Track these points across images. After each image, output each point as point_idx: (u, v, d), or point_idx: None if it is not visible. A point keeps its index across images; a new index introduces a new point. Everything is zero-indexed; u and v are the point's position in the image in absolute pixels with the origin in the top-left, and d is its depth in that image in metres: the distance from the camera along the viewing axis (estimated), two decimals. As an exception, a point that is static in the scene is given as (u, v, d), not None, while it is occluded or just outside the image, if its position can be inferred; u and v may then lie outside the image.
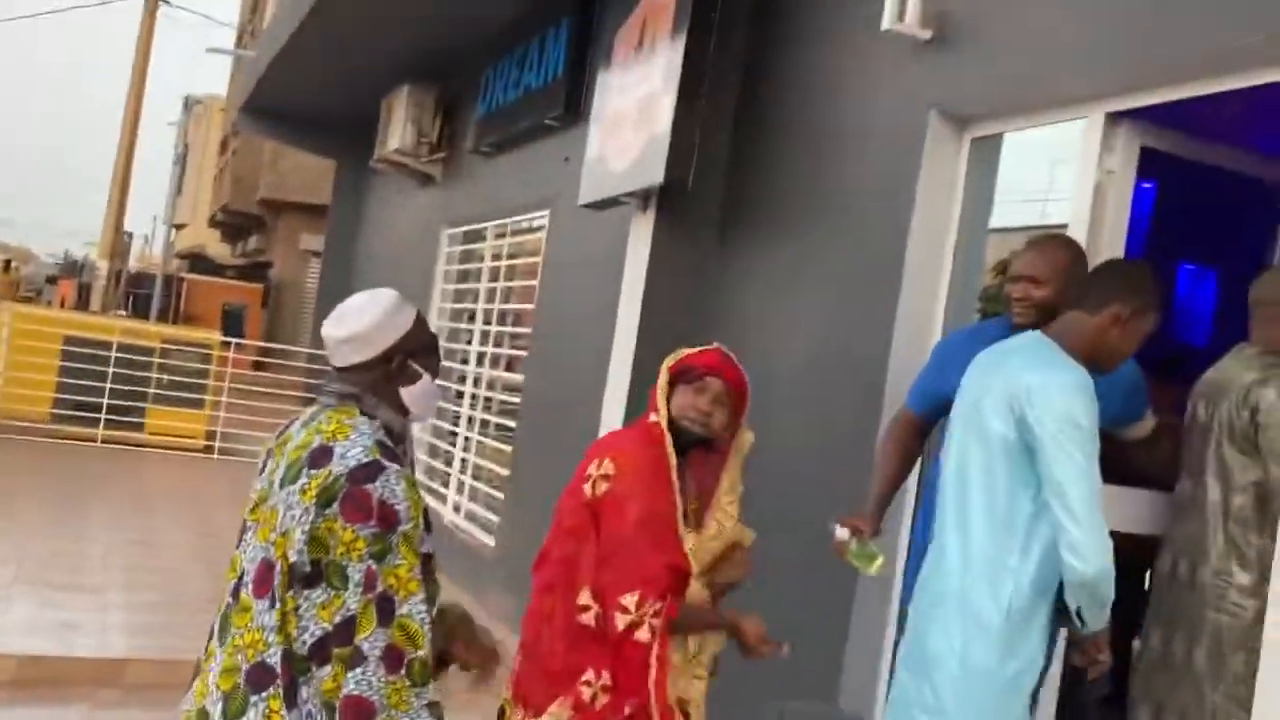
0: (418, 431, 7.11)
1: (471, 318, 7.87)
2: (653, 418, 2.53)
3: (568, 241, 6.09)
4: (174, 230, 31.05)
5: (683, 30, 4.34)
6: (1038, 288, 2.83)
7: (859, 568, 2.79)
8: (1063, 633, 2.57)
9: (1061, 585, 2.37)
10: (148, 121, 21.38)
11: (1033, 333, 2.58)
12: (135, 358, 10.85)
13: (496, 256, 7.65)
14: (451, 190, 8.41)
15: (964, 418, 2.58)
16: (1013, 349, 2.56)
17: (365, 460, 1.86)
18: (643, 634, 2.35)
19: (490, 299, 7.53)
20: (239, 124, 13.00)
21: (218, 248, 35.61)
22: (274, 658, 1.83)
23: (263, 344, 16.32)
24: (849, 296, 3.81)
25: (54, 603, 5.32)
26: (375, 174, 10.06)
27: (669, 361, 2.60)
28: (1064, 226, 3.20)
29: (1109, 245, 3.14)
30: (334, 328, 2.02)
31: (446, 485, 7.64)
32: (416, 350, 2.04)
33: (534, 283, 6.60)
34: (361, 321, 2.00)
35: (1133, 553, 4.07)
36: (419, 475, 2.18)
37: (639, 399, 4.54)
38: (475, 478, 7.17)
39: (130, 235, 30.58)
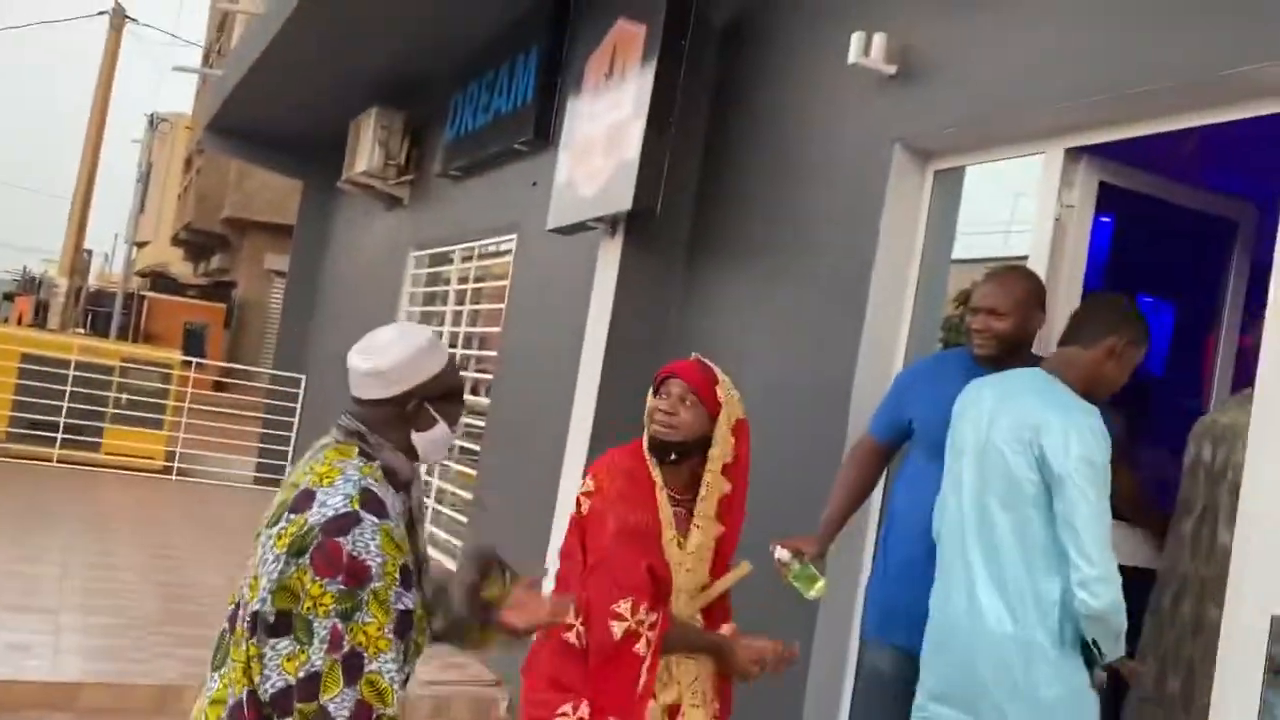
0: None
1: (437, 340, 7.84)
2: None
3: (535, 266, 6.10)
4: (135, 248, 30.70)
5: (653, 58, 4.38)
6: (998, 319, 2.88)
7: (800, 589, 2.78)
8: None
9: None
10: (111, 138, 21.20)
11: (1035, 370, 2.63)
12: (94, 376, 10.70)
13: (463, 280, 7.64)
14: (419, 213, 8.39)
15: (977, 453, 2.59)
16: (1020, 387, 2.59)
17: (343, 511, 1.80)
18: (640, 646, 2.34)
19: (456, 322, 7.52)
20: (204, 142, 12.91)
21: (180, 266, 35.23)
22: (244, 696, 1.81)
23: (225, 364, 16.13)
24: (814, 324, 3.84)
25: (6, 625, 5.21)
26: (342, 195, 10.02)
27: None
28: (1024, 258, 3.26)
29: (1068, 278, 3.20)
30: (359, 359, 1.94)
31: (409, 509, 7.58)
32: (438, 396, 1.96)
33: (501, 306, 6.60)
34: (387, 358, 1.92)
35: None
36: (451, 513, 2.13)
37: (605, 424, 4.55)
38: (439, 501, 7.13)
39: (91, 252, 30.21)
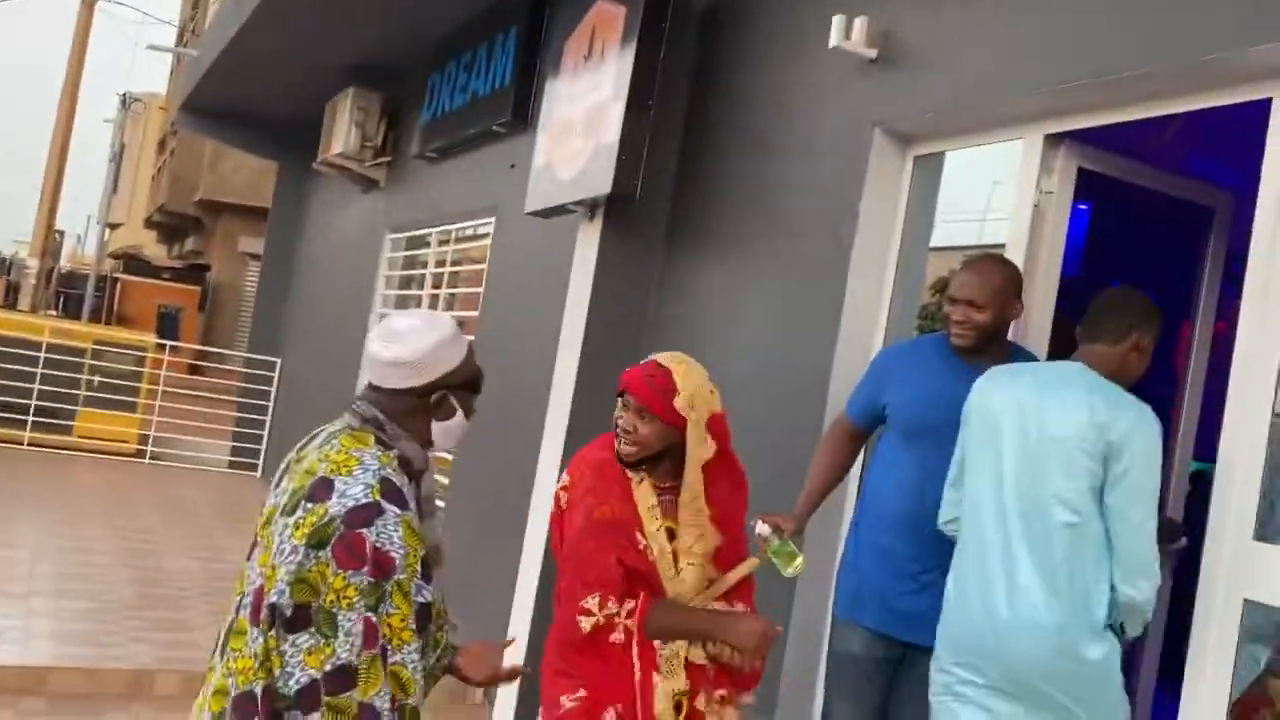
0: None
1: (414, 324, 7.79)
2: None
3: (513, 249, 6.07)
4: (108, 230, 30.36)
5: (632, 40, 4.35)
6: (978, 311, 2.88)
7: (778, 566, 2.79)
8: None
9: None
10: (84, 118, 20.92)
11: (1078, 365, 2.64)
12: (65, 359, 10.58)
13: (440, 263, 7.59)
14: (395, 195, 8.33)
15: (1024, 446, 2.57)
16: (1072, 382, 2.58)
17: (364, 501, 1.76)
18: (617, 636, 2.33)
19: (433, 306, 7.47)
20: (178, 123, 12.76)
21: (154, 248, 34.90)
22: (259, 689, 1.76)
23: (199, 347, 16.01)
24: (793, 309, 3.84)
25: (-25, 610, 5.16)
26: (318, 177, 9.93)
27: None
28: (1001, 246, 3.26)
29: (1046, 264, 3.21)
30: (381, 347, 1.89)
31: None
32: (460, 385, 1.94)
33: (478, 290, 6.56)
34: (413, 348, 1.88)
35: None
36: (439, 503, 2.11)
37: (583, 408, 4.53)
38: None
39: (63, 234, 29.87)
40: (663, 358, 2.50)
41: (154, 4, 28.39)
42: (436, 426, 1.94)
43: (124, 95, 27.55)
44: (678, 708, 2.38)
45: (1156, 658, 3.69)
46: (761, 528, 2.85)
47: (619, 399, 2.47)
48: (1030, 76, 3.05)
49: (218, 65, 9.26)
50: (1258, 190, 2.57)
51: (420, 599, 1.79)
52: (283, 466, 1.96)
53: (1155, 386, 3.99)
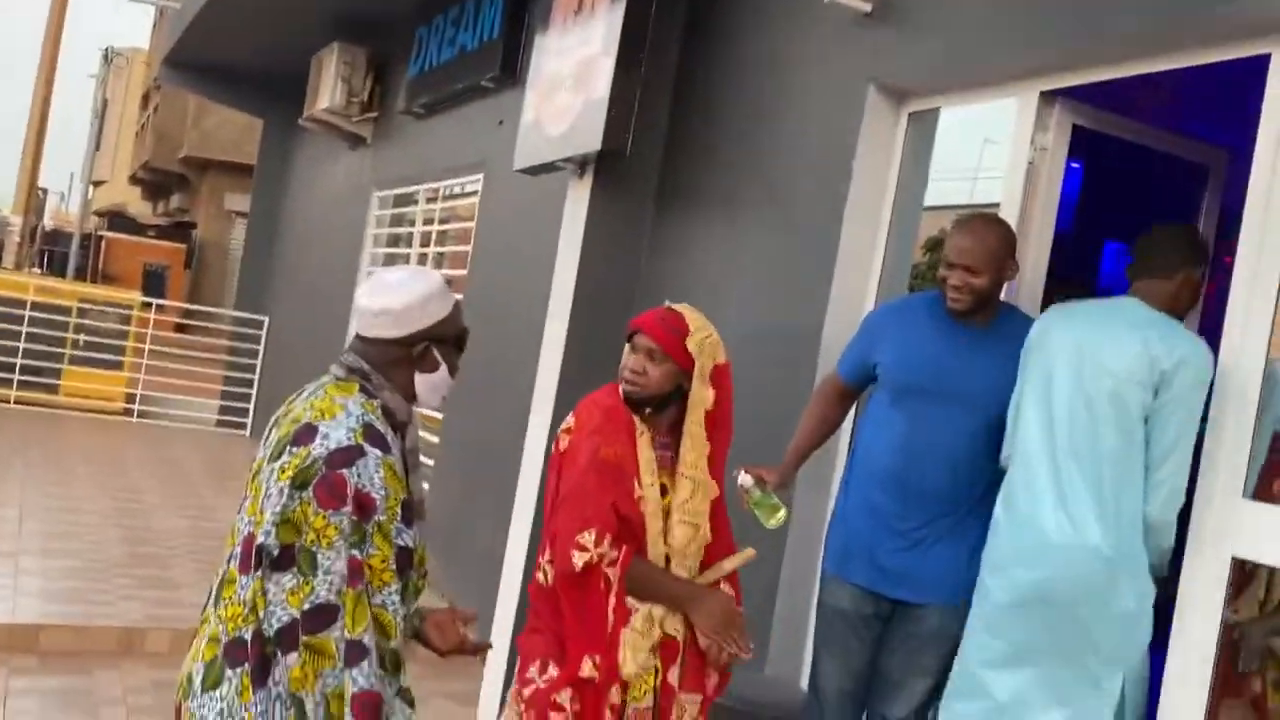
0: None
1: (402, 282, 7.74)
2: None
3: (501, 207, 6.02)
4: (92, 187, 30.06)
5: (623, -6, 4.28)
6: (975, 276, 2.86)
7: (760, 518, 2.79)
8: None
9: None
10: (65, 74, 20.60)
11: (1134, 300, 2.69)
12: (51, 317, 10.51)
13: (428, 221, 7.54)
14: (382, 152, 8.25)
15: (1078, 376, 2.63)
16: (1134, 318, 2.64)
17: (346, 444, 1.79)
18: (603, 584, 2.31)
19: (421, 264, 7.42)
20: (162, 78, 12.58)
21: (138, 206, 34.58)
22: (248, 634, 1.80)
23: (186, 305, 15.90)
24: (785, 267, 3.82)
25: (-37, 568, 5.15)
26: (304, 133, 9.82)
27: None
28: (992, 204, 3.24)
29: (1039, 222, 3.19)
30: (368, 297, 1.93)
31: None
32: (444, 340, 1.97)
33: (467, 248, 6.52)
34: (398, 298, 1.92)
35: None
36: (422, 458, 2.12)
37: (573, 368, 4.52)
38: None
39: (46, 191, 29.57)
40: (676, 305, 2.52)
41: (135, -44, 27.87)
42: (420, 379, 1.97)
43: (106, 50, 27.16)
44: (655, 671, 2.37)
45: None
46: (744, 479, 2.85)
47: (628, 343, 2.47)
48: (1026, 32, 3.01)
49: (201, 18, 9.11)
50: (1253, 148, 2.55)
51: (401, 542, 1.82)
52: (271, 422, 1.99)
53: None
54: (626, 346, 2.48)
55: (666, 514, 2.42)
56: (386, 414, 1.91)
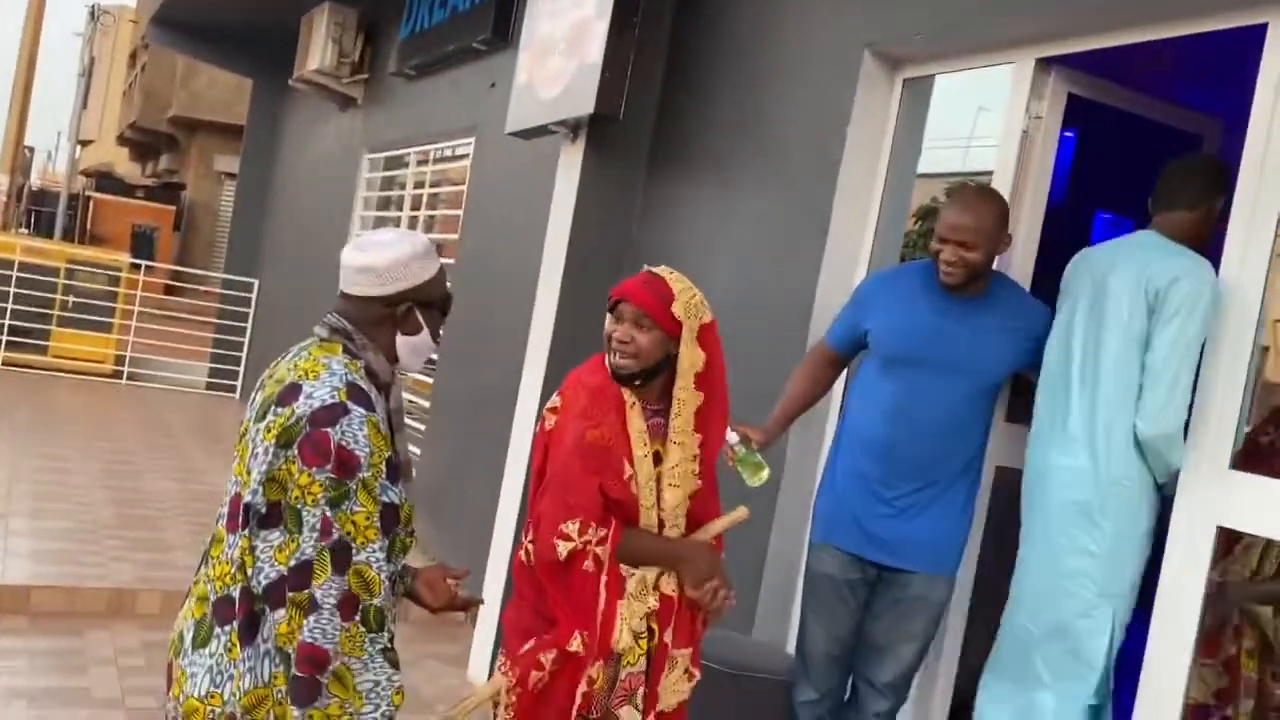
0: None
1: (393, 246, 7.70)
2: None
3: (493, 171, 5.98)
4: (79, 147, 29.76)
5: (617, -45, 4.23)
6: (969, 251, 2.85)
7: (744, 475, 2.81)
8: None
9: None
10: (51, 32, 20.35)
11: (1149, 232, 2.74)
12: (38, 278, 10.45)
13: (419, 184, 7.49)
14: (373, 114, 8.18)
15: (1091, 301, 2.72)
16: (1140, 243, 2.71)
17: (330, 402, 1.80)
18: (589, 565, 2.30)
19: (412, 227, 7.38)
20: (149, 36, 12.42)
21: (126, 166, 34.25)
22: (236, 592, 1.83)
23: (175, 268, 15.79)
24: (778, 233, 3.81)
25: (-47, 529, 5.15)
26: (294, 94, 9.73)
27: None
28: (985, 173, 3.23)
29: (1033, 191, 3.19)
30: (352, 255, 1.94)
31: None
32: (426, 303, 1.97)
33: (458, 212, 6.48)
34: (383, 256, 1.92)
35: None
36: (409, 421, 2.12)
37: (565, 333, 4.51)
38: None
39: (32, 150, 29.28)
40: (658, 269, 2.45)
41: (121, -89, 27.48)
42: (402, 341, 1.98)
43: (92, 7, 26.78)
44: (650, 633, 2.37)
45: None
46: (730, 436, 2.86)
47: (611, 313, 2.41)
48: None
49: (189, -24, 8.99)
50: (1248, 119, 2.54)
51: (386, 499, 1.83)
52: (257, 384, 2.00)
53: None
54: (609, 316, 2.41)
55: (659, 480, 2.41)
56: (370, 374, 1.92)
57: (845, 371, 3.32)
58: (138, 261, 11.63)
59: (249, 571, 1.81)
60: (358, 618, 1.77)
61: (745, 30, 4.14)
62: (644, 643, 2.37)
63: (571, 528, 2.30)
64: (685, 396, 2.42)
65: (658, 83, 4.52)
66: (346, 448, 1.78)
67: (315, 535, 1.76)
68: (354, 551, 1.78)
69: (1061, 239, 3.74)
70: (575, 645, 2.29)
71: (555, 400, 2.45)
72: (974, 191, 3.02)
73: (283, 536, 1.78)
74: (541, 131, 4.78)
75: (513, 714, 2.31)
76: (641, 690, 2.37)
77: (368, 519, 1.79)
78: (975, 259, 2.86)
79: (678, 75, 4.49)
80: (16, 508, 5.64)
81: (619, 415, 2.37)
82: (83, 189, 24.76)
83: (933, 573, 2.98)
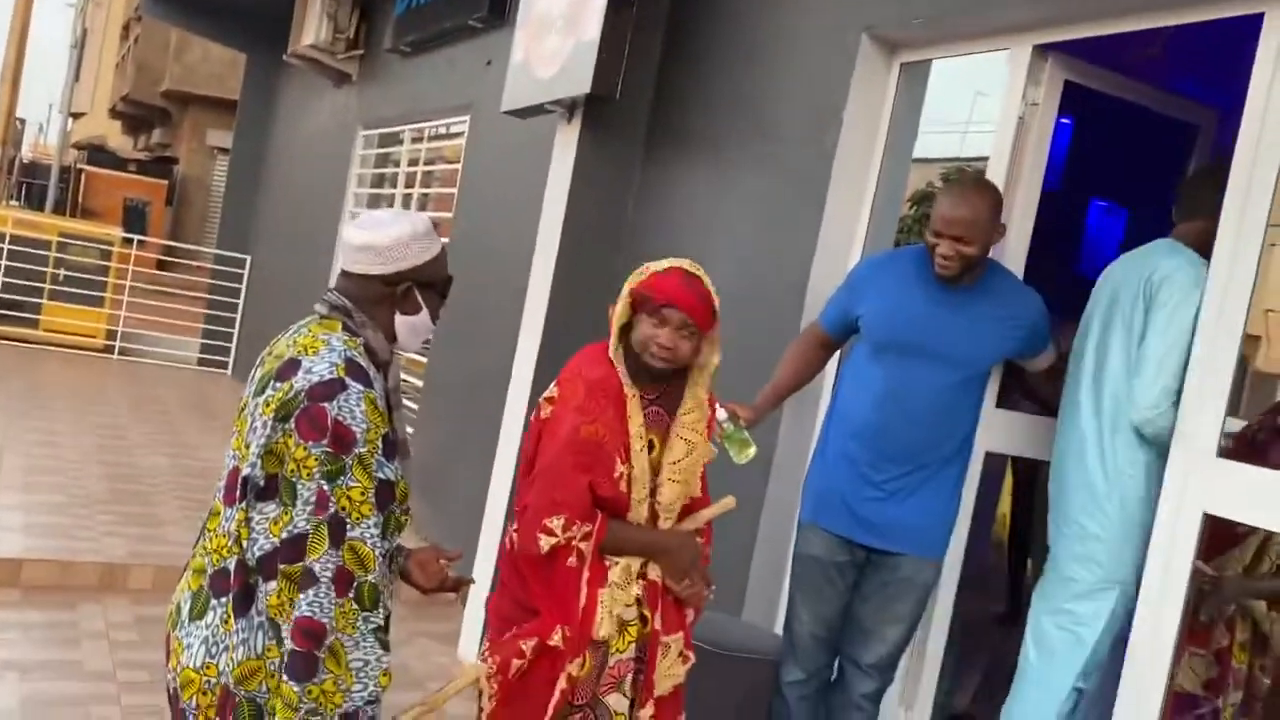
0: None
1: (387, 224, 7.68)
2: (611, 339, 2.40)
3: (488, 149, 5.97)
4: (71, 119, 29.56)
5: (615, -66, 4.21)
6: (966, 245, 2.86)
7: (730, 452, 2.82)
8: None
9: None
10: (44, 3, 20.16)
11: (1169, 239, 2.83)
12: (30, 251, 10.40)
13: (413, 161, 7.46)
14: (368, 90, 8.14)
15: (1106, 305, 2.86)
16: (1151, 250, 2.84)
17: (328, 377, 1.82)
18: (572, 560, 2.30)
19: (406, 206, 7.36)
20: (143, 9, 12.33)
21: (119, 139, 34.02)
22: (231, 565, 1.84)
23: (167, 243, 15.73)
24: (773, 215, 3.81)
25: (-56, 502, 5.15)
26: (288, 69, 9.68)
27: (632, 281, 2.40)
28: (981, 159, 3.23)
29: (1028, 177, 3.19)
30: (354, 232, 1.96)
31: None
32: (426, 284, 1.99)
33: (452, 190, 6.47)
34: (384, 235, 1.93)
35: (1028, 475, 4.23)
36: (407, 402, 2.13)
37: (559, 311, 4.52)
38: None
39: (24, 122, 29.08)
40: (684, 265, 2.40)
41: (115, -119, 27.17)
42: (400, 320, 1.99)
43: (85, -22, 26.54)
44: (643, 620, 2.37)
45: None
46: (719, 412, 2.88)
47: (650, 313, 2.35)
48: (1022, -16, 2.98)
49: (183, -52, 8.92)
50: (1243, 108, 2.54)
51: (382, 475, 1.84)
52: (257, 361, 2.01)
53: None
54: (646, 317, 2.36)
55: (655, 470, 2.41)
56: (368, 352, 1.93)
57: (839, 354, 3.33)
58: (130, 236, 11.57)
59: (244, 544, 1.83)
60: (351, 594, 1.78)
61: (743, 10, 4.13)
62: (635, 629, 2.37)
63: (556, 523, 2.29)
64: (701, 395, 2.44)
65: (655, 62, 4.50)
66: (343, 423, 1.79)
67: (309, 509, 1.77)
68: (348, 527, 1.79)
69: (1057, 226, 3.76)
70: (555, 639, 2.30)
71: (552, 390, 2.42)
72: (969, 184, 3.02)
73: (278, 509, 1.79)
74: (537, 111, 4.77)
75: (494, 702, 2.32)
76: (630, 677, 2.37)
77: (362, 494, 1.80)
78: (971, 253, 2.87)
79: (675, 55, 4.48)
80: (8, 481, 5.64)
81: (618, 410, 2.35)
82: (74, 162, 24.60)
83: (921, 555, 3.01)
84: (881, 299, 3.03)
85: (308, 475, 1.78)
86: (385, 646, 1.84)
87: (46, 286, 10.46)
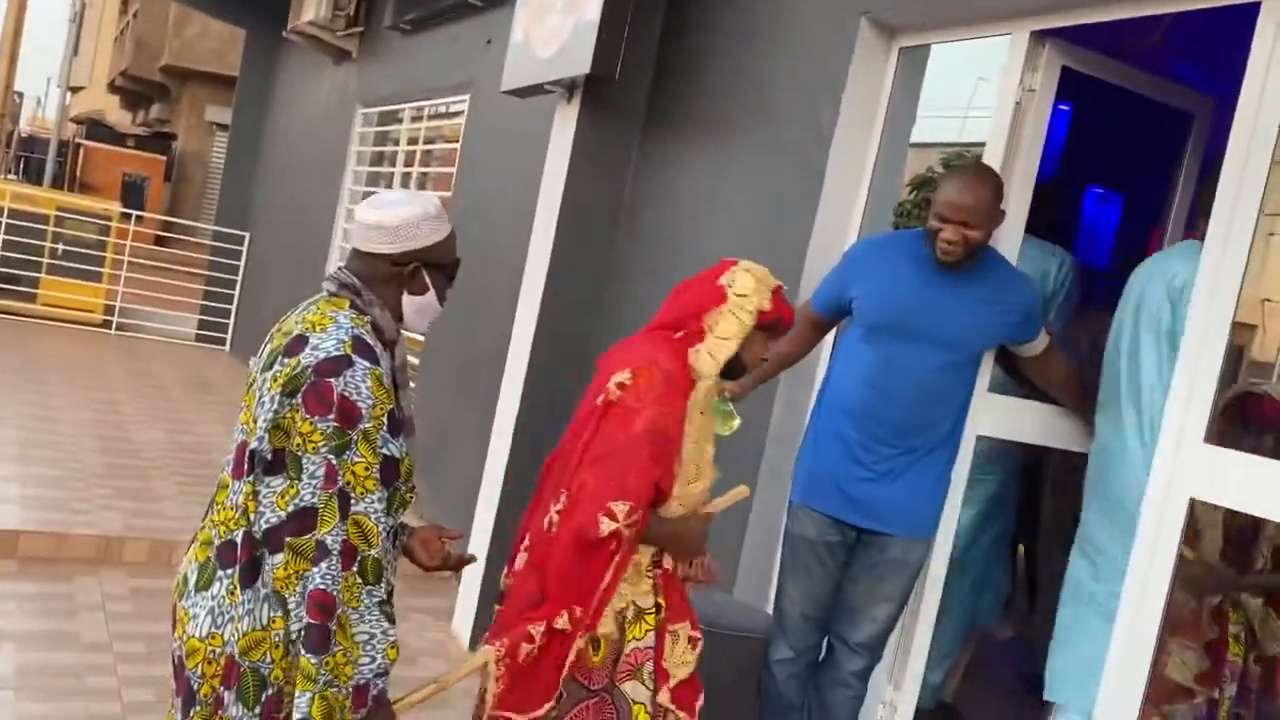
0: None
1: (385, 202, 7.68)
2: (679, 335, 2.45)
3: (487, 128, 5.96)
4: (69, 93, 29.41)
5: (616, -86, 4.19)
6: (971, 230, 2.87)
7: (716, 424, 2.86)
8: None
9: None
10: (41, -27, 20.04)
11: (1192, 241, 2.89)
12: (28, 225, 10.38)
13: (413, 140, 7.45)
14: (368, 68, 8.12)
15: (1136, 307, 2.95)
16: (1172, 254, 2.96)
17: (335, 353, 1.85)
18: (614, 547, 2.30)
19: (405, 184, 7.36)
20: (142, -18, 12.28)
21: (117, 114, 33.89)
22: (239, 537, 1.87)
23: (165, 218, 15.70)
24: (770, 195, 3.82)
25: (-59, 473, 5.17)
26: (288, 46, 9.64)
27: (761, 301, 2.51)
28: (981, 144, 3.24)
29: (1025, 163, 3.20)
30: (366, 211, 1.99)
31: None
32: (434, 265, 2.02)
33: (451, 169, 6.47)
34: (395, 214, 1.97)
35: (1026, 460, 4.26)
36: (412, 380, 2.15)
37: (557, 291, 4.53)
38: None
39: (21, 95, 28.94)
40: (759, 269, 2.64)
41: None
42: (408, 300, 2.01)
43: (84, -49, 26.34)
44: (657, 608, 2.40)
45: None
46: None
47: (769, 331, 2.55)
48: (1021, -31, 2.98)
49: (183, -78, 8.87)
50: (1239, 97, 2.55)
51: (386, 451, 1.87)
52: (267, 338, 2.03)
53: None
54: (767, 336, 2.55)
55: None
56: (375, 330, 1.96)
57: (833, 334, 3.35)
58: (128, 211, 11.56)
59: (251, 517, 1.85)
60: (355, 568, 1.81)
61: (743, -7, 4.12)
62: (652, 618, 2.40)
63: (621, 508, 2.27)
64: (747, 383, 2.66)
65: (654, 42, 4.50)
66: (349, 398, 1.81)
67: (317, 482, 1.80)
68: (353, 501, 1.81)
69: (1051, 212, 3.77)
70: (561, 623, 2.32)
71: (625, 375, 2.37)
72: (972, 170, 3.03)
73: (285, 483, 1.82)
74: (537, 90, 4.77)
75: (501, 684, 2.34)
76: (649, 665, 2.40)
77: (367, 470, 1.83)
78: (976, 238, 2.88)
79: (674, 36, 4.48)
80: (5, 454, 5.65)
81: (685, 401, 2.40)
82: (73, 136, 24.52)
83: (910, 536, 3.03)
84: (875, 281, 3.05)
85: (313, 449, 1.80)
86: (390, 620, 1.87)
87: (45, 261, 10.45)
